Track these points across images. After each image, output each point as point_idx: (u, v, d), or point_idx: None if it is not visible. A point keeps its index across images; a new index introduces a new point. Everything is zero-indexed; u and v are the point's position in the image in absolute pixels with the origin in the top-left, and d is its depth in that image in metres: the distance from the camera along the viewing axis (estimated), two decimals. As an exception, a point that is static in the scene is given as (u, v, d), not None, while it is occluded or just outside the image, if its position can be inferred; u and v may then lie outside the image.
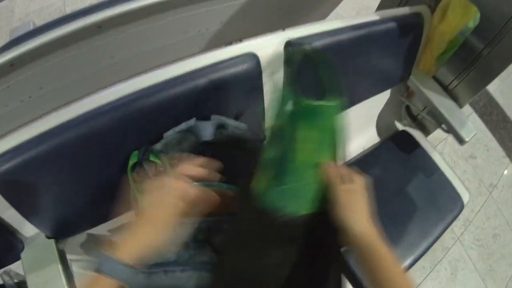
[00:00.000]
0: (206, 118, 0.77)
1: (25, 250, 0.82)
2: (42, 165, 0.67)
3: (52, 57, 0.94)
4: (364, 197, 0.54)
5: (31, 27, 1.32)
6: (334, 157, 0.57)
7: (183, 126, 0.74)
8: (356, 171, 0.57)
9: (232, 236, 0.58)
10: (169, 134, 0.73)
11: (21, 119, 0.75)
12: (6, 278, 0.84)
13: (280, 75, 0.89)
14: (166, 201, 0.50)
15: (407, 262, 1.07)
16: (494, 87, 2.55)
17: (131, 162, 0.72)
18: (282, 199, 0.54)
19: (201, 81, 0.74)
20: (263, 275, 0.55)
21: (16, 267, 0.87)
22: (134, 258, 0.46)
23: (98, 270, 0.44)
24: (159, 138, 0.74)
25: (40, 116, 0.70)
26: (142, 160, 0.71)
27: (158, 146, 0.73)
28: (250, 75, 0.80)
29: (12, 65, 0.87)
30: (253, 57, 0.79)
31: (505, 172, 2.12)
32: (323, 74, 0.55)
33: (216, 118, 0.76)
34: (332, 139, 0.56)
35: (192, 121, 0.74)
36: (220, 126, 0.75)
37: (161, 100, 0.72)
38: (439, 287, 1.64)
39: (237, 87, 0.80)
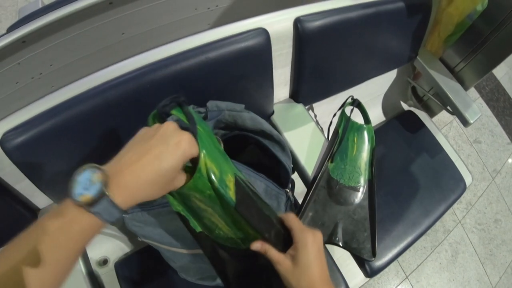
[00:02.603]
0: (211, 95, 0.77)
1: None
2: (56, 137, 0.69)
3: (63, 33, 0.95)
4: (317, 258, 0.46)
5: (40, 5, 1.33)
6: None
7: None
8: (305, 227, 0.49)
9: None
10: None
11: (32, 97, 0.77)
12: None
13: (288, 51, 0.90)
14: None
15: (409, 239, 1.09)
16: (502, 73, 2.53)
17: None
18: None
19: (212, 55, 0.75)
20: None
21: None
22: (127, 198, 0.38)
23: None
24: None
25: (51, 92, 0.70)
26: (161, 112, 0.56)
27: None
28: (260, 50, 0.81)
29: (24, 41, 0.89)
30: (263, 32, 0.80)
31: (510, 160, 2.12)
32: None
33: (212, 105, 0.66)
34: None
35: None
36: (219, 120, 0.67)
37: (173, 72, 0.73)
38: (439, 268, 1.67)
39: (247, 61, 0.81)
